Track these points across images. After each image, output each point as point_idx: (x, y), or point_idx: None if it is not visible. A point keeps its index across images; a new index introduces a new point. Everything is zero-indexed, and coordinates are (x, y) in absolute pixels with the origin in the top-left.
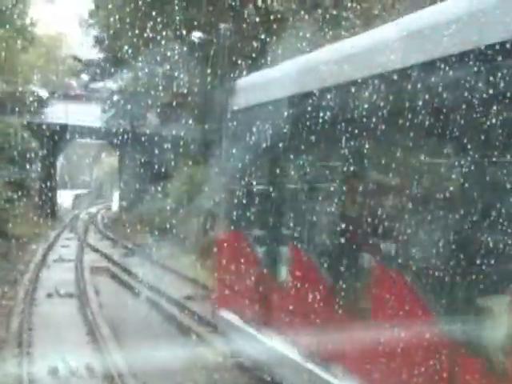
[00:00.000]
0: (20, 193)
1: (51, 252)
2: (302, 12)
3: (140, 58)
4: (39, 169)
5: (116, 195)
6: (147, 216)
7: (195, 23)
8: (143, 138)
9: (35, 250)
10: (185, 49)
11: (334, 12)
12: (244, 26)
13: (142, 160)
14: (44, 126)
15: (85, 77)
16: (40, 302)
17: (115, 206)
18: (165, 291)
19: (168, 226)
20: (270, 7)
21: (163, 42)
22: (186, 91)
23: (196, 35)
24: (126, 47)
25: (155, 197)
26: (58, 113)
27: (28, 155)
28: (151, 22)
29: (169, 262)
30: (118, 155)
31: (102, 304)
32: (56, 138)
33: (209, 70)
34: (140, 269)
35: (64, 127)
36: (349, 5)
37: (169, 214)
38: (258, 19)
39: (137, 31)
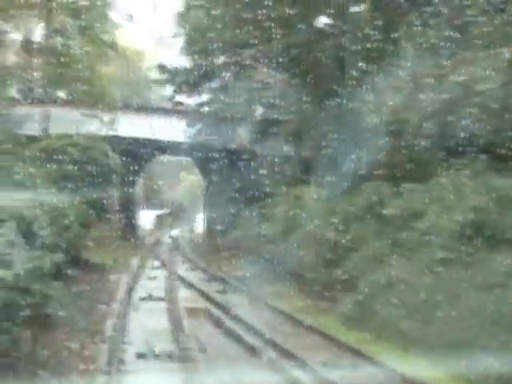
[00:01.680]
0: (99, 214)
1: (136, 285)
2: None
3: (232, 67)
4: (120, 187)
5: (200, 217)
6: (242, 242)
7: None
8: (233, 156)
9: (117, 283)
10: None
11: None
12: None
13: (232, 179)
14: (126, 141)
15: (169, 89)
16: (129, 368)
17: (200, 229)
18: (295, 353)
19: (270, 255)
20: None
21: (259, 49)
22: (283, 104)
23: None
24: (216, 53)
25: (251, 221)
26: (140, 127)
27: (109, 171)
28: (247, 26)
29: (280, 304)
30: (202, 173)
31: (216, 370)
32: (138, 153)
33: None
34: (247, 312)
35: (147, 142)
36: None
37: (271, 241)
38: None
39: (230, 35)
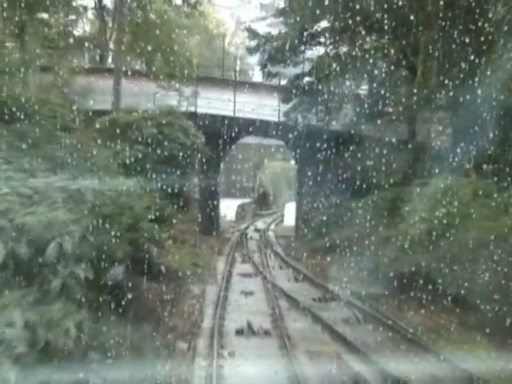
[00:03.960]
0: (176, 205)
1: (226, 305)
2: None
3: (337, 34)
4: (202, 172)
5: (290, 207)
6: (350, 243)
7: None
8: (335, 138)
9: (199, 302)
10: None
11: None
12: None
13: (333, 166)
14: (208, 119)
15: (260, 57)
16: None
17: (289, 221)
18: None
19: (404, 266)
20: None
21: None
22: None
23: None
24: (319, 16)
25: (361, 216)
26: (224, 103)
27: (189, 153)
28: None
29: (460, 356)
30: (295, 158)
31: None
32: (222, 133)
33: None
34: (393, 363)
35: (231, 121)
36: None
37: (408, 247)
38: None
39: None
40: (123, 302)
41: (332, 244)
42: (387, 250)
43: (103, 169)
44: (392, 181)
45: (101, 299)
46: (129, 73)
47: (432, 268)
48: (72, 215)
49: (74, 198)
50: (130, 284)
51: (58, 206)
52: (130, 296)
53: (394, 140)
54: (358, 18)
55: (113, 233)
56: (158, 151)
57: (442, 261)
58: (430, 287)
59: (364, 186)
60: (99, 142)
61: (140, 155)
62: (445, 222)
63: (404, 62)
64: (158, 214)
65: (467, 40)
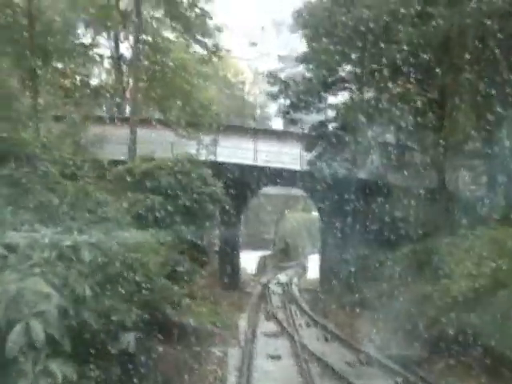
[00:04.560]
0: (195, 258)
1: (251, 373)
2: None
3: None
4: (221, 224)
5: (313, 259)
6: (383, 300)
7: None
8: (361, 187)
9: (221, 368)
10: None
11: None
12: None
13: (360, 216)
14: (228, 168)
15: (282, 103)
16: None
17: (313, 273)
18: None
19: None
20: None
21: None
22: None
23: None
24: (343, 60)
25: (393, 270)
26: (244, 151)
27: (208, 203)
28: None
29: None
30: (318, 208)
31: None
32: (243, 183)
33: None
34: None
35: (252, 170)
36: None
37: (451, 305)
38: None
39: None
40: (135, 375)
41: (362, 299)
42: (426, 308)
43: (113, 220)
44: (422, 232)
45: (108, 373)
46: (145, 121)
47: (481, 329)
48: (59, 280)
49: (65, 256)
50: (143, 352)
51: (37, 270)
52: (142, 367)
53: (422, 189)
54: (384, 63)
55: (120, 296)
56: (176, 201)
57: (493, 322)
58: (479, 350)
59: (392, 236)
60: (113, 191)
61: (156, 206)
62: (493, 277)
63: (432, 108)
64: (175, 269)
65: (499, 87)
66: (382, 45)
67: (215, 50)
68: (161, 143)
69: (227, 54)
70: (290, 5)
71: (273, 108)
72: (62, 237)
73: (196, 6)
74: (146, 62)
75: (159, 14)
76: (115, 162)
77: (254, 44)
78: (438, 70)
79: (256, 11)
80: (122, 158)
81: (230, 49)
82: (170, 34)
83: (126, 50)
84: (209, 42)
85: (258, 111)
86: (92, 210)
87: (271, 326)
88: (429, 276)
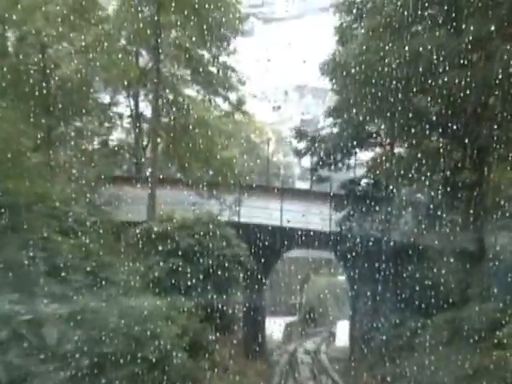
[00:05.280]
0: (217, 326)
1: None
2: None
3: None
4: (245, 288)
5: (342, 326)
6: (429, 373)
7: None
8: (396, 250)
9: None
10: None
11: None
12: None
13: (394, 281)
14: (251, 229)
15: (307, 160)
16: None
17: (341, 341)
18: None
19: None
20: None
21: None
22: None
23: None
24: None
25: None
26: (269, 212)
27: (232, 267)
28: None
29: None
30: (347, 272)
31: None
32: (267, 245)
33: None
34: None
35: (277, 231)
36: None
37: None
38: None
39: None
40: None
41: (401, 373)
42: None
43: (118, 285)
44: (459, 299)
45: None
46: (165, 180)
47: None
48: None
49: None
50: None
51: None
52: None
53: (459, 252)
54: (417, 117)
55: (121, 378)
56: (197, 264)
57: None
58: None
59: (427, 303)
60: (126, 252)
61: (175, 269)
62: None
63: (469, 165)
64: (194, 339)
65: None
66: (416, 97)
67: (238, 104)
68: (181, 203)
69: (250, 115)
70: (314, 68)
71: (297, 169)
72: (22, 308)
73: (217, 59)
74: (166, 120)
75: (180, 71)
76: (133, 223)
77: (278, 108)
78: (476, 125)
79: (279, 75)
80: (141, 219)
81: (253, 112)
82: (190, 91)
83: (145, 107)
84: (231, 96)
85: (282, 171)
86: (92, 272)
87: None
88: (473, 346)
